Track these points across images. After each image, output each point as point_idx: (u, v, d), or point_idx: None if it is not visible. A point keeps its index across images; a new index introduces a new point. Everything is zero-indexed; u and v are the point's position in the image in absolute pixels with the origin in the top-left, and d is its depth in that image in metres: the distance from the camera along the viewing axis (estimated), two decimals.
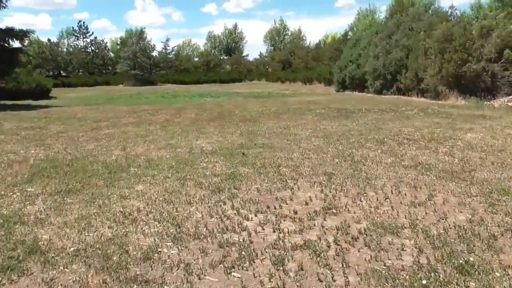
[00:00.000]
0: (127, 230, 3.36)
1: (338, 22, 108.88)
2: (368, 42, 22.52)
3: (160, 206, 3.93)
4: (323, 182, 4.72)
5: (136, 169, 5.57)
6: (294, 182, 4.74)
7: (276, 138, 7.85)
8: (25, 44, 45.43)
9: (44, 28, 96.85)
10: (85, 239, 3.22)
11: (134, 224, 3.48)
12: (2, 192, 4.54)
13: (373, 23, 38.46)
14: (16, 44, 23.62)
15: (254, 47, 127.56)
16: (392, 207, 3.86)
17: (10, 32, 16.65)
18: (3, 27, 16.80)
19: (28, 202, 4.15)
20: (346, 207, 3.89)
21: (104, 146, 7.51)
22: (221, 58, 58.43)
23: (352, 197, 4.19)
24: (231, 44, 63.50)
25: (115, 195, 4.32)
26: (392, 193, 4.32)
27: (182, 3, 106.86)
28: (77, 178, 5.07)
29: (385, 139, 7.49)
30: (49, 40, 50.00)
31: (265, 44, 64.48)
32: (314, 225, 3.47)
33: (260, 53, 60.07)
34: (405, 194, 4.26)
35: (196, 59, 58.06)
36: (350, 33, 38.50)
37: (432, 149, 6.55)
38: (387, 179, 4.80)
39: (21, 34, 16.84)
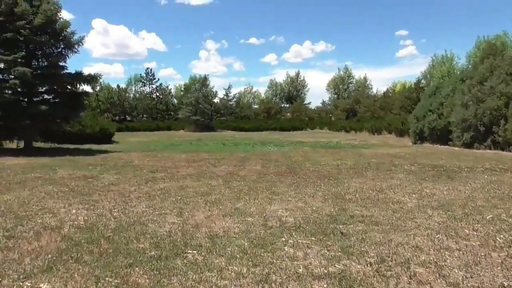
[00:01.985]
0: None
1: (399, 72, 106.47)
2: (451, 89, 20.20)
3: None
4: None
5: (195, 252, 3.93)
6: None
7: (375, 206, 5.94)
8: (97, 89, 48.08)
9: (118, 76, 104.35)
10: None
11: None
12: None
13: (451, 70, 35.79)
14: (87, 88, 24.28)
15: (313, 96, 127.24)
16: None
17: (78, 77, 16.59)
18: (73, 71, 16.79)
19: None
20: None
21: (157, 207, 6.04)
22: (282, 105, 57.84)
23: None
24: (292, 91, 62.97)
25: None
26: None
27: (244, 53, 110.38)
28: (113, 267, 3.52)
29: None
30: (118, 86, 52.63)
31: (328, 92, 63.26)
32: None
33: (323, 101, 58.83)
34: None
35: (256, 106, 57.97)
36: (423, 81, 36.01)
37: None
38: None
39: (88, 79, 16.71)
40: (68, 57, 16.46)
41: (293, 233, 4.55)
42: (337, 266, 3.50)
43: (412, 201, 6.32)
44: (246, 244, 4.17)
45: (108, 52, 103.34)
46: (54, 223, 5.07)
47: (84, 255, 3.85)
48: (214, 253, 3.90)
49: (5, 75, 15.14)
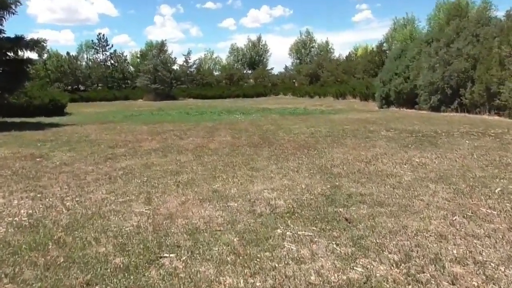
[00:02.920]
0: None
1: (356, 36, 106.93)
2: (417, 52, 19.90)
3: None
4: None
5: (173, 256, 3.11)
6: None
7: (369, 181, 5.32)
8: (44, 57, 44.42)
9: (68, 44, 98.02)
10: None
11: None
12: None
13: (413, 32, 35.65)
14: (32, 55, 21.87)
15: (274, 62, 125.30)
16: None
17: (19, 42, 14.65)
18: (12, 35, 14.81)
19: None
20: None
21: (120, 192, 5.11)
22: (244, 72, 56.20)
23: None
24: (254, 57, 61.15)
25: None
26: None
27: (201, 18, 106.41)
28: None
29: None
30: (68, 53, 48.93)
31: (291, 57, 61.99)
32: None
33: (286, 66, 57.60)
34: None
35: (218, 72, 56.10)
36: (385, 44, 35.75)
37: None
38: None
39: (31, 44, 14.80)
40: (4, 19, 14.46)
41: (289, 222, 3.81)
42: (357, 269, 2.79)
43: (406, 173, 5.76)
44: (235, 240, 3.39)
45: (55, 17, 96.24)
46: None
47: (24, 269, 2.92)
48: (198, 256, 3.10)
49: None
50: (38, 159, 7.75)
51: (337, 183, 5.26)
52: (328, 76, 38.54)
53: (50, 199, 4.91)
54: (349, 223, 3.73)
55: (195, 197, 4.82)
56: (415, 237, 3.35)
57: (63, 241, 3.47)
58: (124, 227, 3.81)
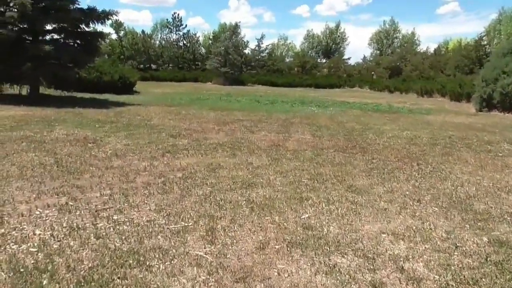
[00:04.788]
0: None
1: (439, 30, 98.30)
2: None
3: None
4: None
5: None
6: None
7: None
8: (121, 34, 45.37)
9: (146, 24, 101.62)
10: None
11: None
12: None
13: None
14: (105, 29, 21.60)
15: (348, 52, 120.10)
16: None
17: (91, 13, 13.96)
18: (85, 7, 14.13)
19: None
20: None
21: (174, 211, 3.68)
22: (318, 60, 53.41)
23: None
24: (331, 45, 57.76)
25: None
26: None
27: (274, 4, 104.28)
28: None
29: None
30: (143, 31, 49.66)
31: (370, 47, 57.79)
32: None
33: (364, 56, 53.68)
34: None
35: (287, 60, 53.92)
36: (485, 38, 31.48)
37: None
38: None
39: (102, 16, 14.08)
40: None
41: None
42: None
43: None
44: None
45: None
46: None
47: None
48: None
49: (3, 7, 12.59)
50: (89, 145, 6.67)
51: (496, 233, 3.37)
52: (412, 70, 34.98)
53: (82, 213, 3.60)
54: None
55: (279, 235, 3.23)
56: None
57: None
58: None
